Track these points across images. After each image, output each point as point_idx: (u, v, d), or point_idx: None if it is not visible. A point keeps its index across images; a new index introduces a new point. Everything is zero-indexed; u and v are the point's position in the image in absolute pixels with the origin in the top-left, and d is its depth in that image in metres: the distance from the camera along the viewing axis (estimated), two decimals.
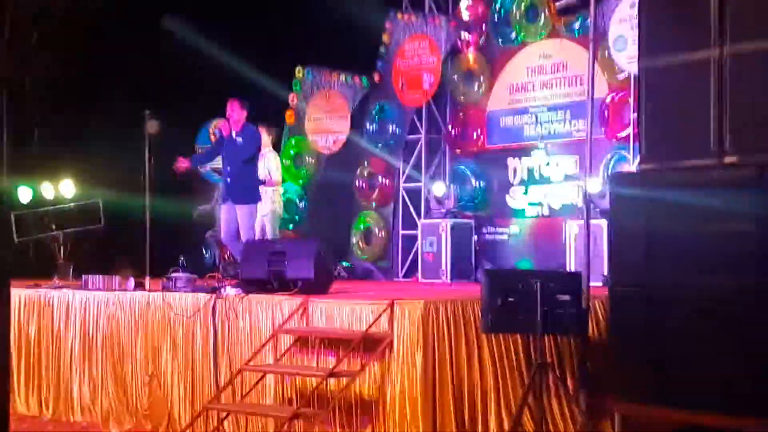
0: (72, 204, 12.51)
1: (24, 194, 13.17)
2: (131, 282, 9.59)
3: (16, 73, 4.90)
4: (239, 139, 10.23)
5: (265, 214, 11.82)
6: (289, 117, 14.98)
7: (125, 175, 11.52)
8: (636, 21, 7.71)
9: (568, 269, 10.88)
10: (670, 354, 6.51)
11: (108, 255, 12.58)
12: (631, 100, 11.59)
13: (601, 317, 7.87)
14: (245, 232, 10.17)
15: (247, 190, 10.30)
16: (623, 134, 11.81)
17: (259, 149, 10.66)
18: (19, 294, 9.91)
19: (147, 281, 9.67)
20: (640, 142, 7.23)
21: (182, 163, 10.42)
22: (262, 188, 11.04)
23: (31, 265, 12.34)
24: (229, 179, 10.30)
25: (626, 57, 11.41)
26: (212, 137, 15.54)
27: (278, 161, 12.65)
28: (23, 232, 11.63)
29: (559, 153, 12.73)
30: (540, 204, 12.90)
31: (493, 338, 7.36)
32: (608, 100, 11.98)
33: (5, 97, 4.99)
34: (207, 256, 14.02)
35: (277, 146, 13.42)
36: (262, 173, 11.45)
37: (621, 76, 11.85)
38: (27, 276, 10.75)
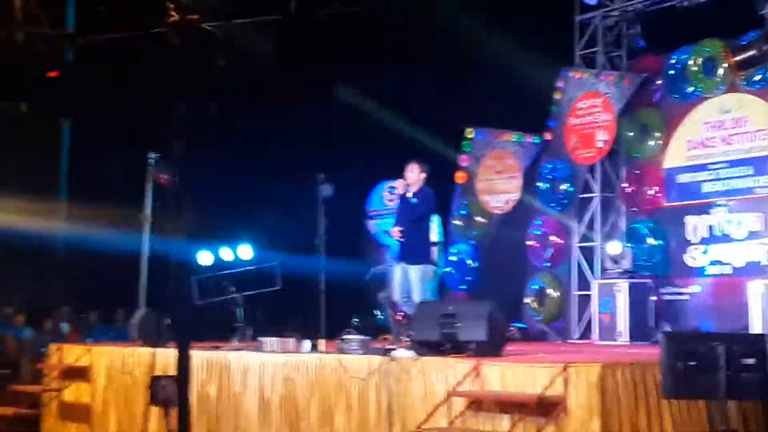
0: (250, 267, 12.85)
1: (205, 258, 13.61)
2: (307, 344, 9.71)
3: (196, 140, 5.07)
4: (415, 200, 10.34)
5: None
6: (461, 178, 15.01)
7: (300, 237, 11.76)
8: None
9: (752, 330, 10.43)
10: None
11: (283, 317, 12.84)
12: None
13: None
14: (418, 293, 10.19)
15: (420, 251, 10.36)
16: None
17: (432, 211, 10.71)
18: (200, 355, 10.18)
19: (321, 343, 9.78)
20: None
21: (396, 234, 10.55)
22: None
23: (212, 327, 12.70)
24: (402, 239, 10.38)
25: None
26: (386, 194, 15.77)
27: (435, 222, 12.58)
28: (204, 295, 12.00)
29: (742, 210, 12.29)
30: (721, 263, 12.46)
31: (675, 403, 7.09)
32: None
33: (186, 165, 5.15)
34: (380, 317, 14.11)
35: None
36: None
37: None
38: (207, 338, 11.05)
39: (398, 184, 10.53)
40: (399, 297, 10.43)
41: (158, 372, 9.03)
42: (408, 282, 10.29)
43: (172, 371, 5.47)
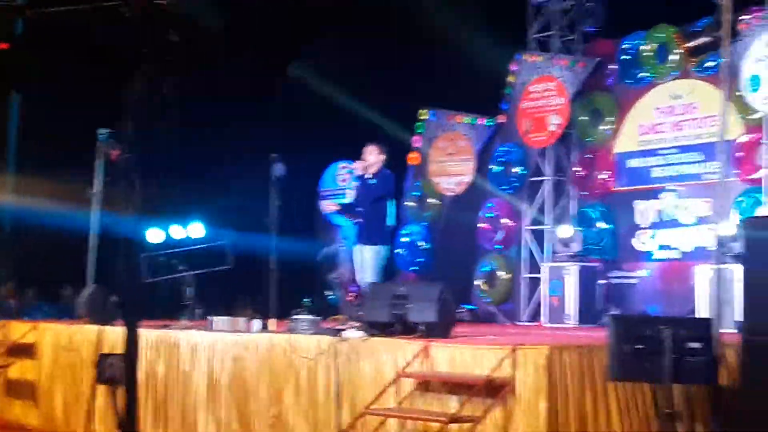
0: (200, 245, 12.78)
1: (155, 236, 13.51)
2: (256, 323, 9.69)
3: (149, 117, 5.02)
4: (374, 181, 10.39)
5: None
6: (414, 159, 15.02)
7: (251, 216, 11.72)
8: None
9: (698, 315, 10.55)
10: None
11: (233, 296, 12.78)
12: (765, 141, 11.25)
13: (733, 366, 7.58)
14: (371, 274, 10.22)
15: (375, 232, 10.39)
16: (757, 176, 11.47)
17: (391, 193, 10.75)
18: (148, 334, 10.11)
19: (271, 323, 9.75)
20: None
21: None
22: None
23: (160, 305, 12.62)
24: (360, 220, 10.44)
25: (760, 97, 11.10)
26: (338, 174, 15.75)
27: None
28: (153, 273, 11.91)
29: (690, 195, 12.42)
30: (669, 247, 12.59)
31: (620, 386, 7.15)
32: (741, 141, 11.65)
33: (137, 141, 5.10)
34: (331, 297, 14.10)
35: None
36: None
37: (755, 117, 11.51)
38: (156, 316, 10.98)
39: (357, 166, 10.55)
40: (359, 277, 10.43)
41: (105, 350, 8.98)
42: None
43: (120, 349, 5.42)
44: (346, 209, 10.98)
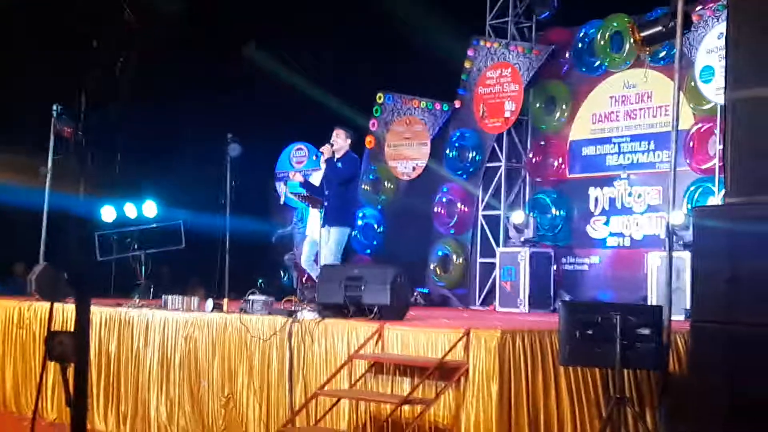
0: (154, 224, 12.72)
1: (108, 214, 13.41)
2: (209, 303, 9.67)
3: (103, 95, 5.00)
4: (340, 164, 10.53)
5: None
6: (369, 142, 15.03)
7: (206, 196, 11.68)
8: (723, 52, 7.59)
9: (649, 302, 10.69)
10: (751, 392, 6.33)
11: (187, 275, 12.72)
12: (717, 131, 11.39)
13: (682, 352, 7.71)
14: (330, 255, 10.29)
15: (340, 214, 10.51)
16: (707, 166, 11.62)
17: (357, 175, 10.91)
18: (100, 312, 10.06)
19: (225, 303, 9.75)
20: (726, 175, 7.08)
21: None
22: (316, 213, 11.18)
23: (113, 283, 12.55)
24: (326, 203, 10.54)
25: (713, 88, 11.24)
26: (293, 156, 15.71)
27: None
28: (106, 252, 11.84)
29: (642, 184, 12.56)
30: (621, 235, 12.73)
31: (571, 371, 7.25)
32: (693, 131, 11.79)
33: (91, 119, 5.06)
34: (285, 278, 14.10)
35: None
36: None
37: (707, 107, 11.66)
38: (108, 295, 10.93)
39: (325, 150, 10.66)
40: (326, 260, 10.49)
41: (56, 327, 8.90)
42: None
43: (71, 327, 5.39)
44: (308, 188, 11.01)
